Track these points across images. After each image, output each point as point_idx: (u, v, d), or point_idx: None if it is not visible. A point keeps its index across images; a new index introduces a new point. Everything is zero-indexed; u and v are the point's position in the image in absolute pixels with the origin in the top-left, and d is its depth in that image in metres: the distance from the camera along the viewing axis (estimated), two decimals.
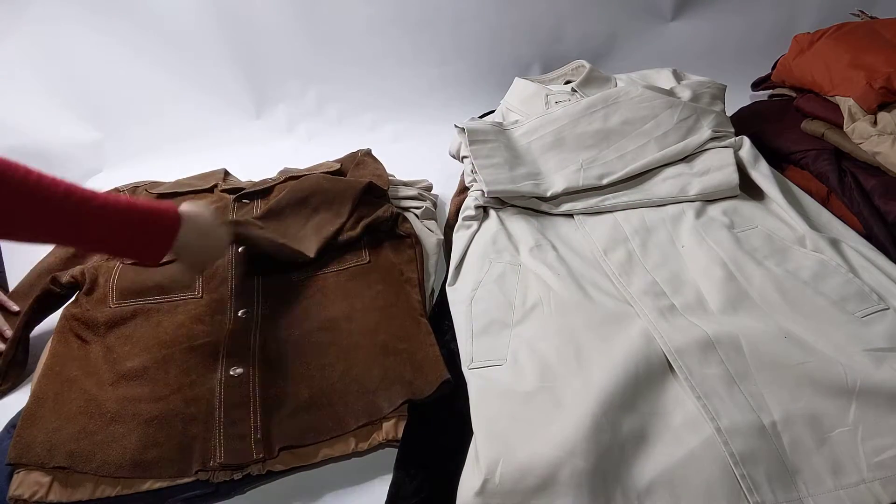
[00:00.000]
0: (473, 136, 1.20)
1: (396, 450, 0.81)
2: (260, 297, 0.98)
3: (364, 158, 1.27)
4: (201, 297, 0.98)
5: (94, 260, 1.05)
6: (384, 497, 0.75)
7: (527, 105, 1.34)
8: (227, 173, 1.29)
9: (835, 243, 0.97)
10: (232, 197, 1.14)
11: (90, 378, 0.87)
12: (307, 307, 0.95)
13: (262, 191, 1.15)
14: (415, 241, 1.08)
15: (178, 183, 1.23)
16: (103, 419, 0.81)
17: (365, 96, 1.83)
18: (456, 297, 0.99)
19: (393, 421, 0.83)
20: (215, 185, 1.19)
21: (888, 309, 0.85)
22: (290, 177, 1.19)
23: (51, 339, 0.95)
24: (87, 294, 0.99)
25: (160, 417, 0.81)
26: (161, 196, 1.18)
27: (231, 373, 0.86)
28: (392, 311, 0.95)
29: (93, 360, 0.90)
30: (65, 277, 1.02)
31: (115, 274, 1.01)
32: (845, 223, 1.06)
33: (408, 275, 1.03)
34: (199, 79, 1.77)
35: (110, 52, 1.71)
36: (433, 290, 1.06)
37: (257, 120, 1.82)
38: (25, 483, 0.76)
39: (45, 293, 1.01)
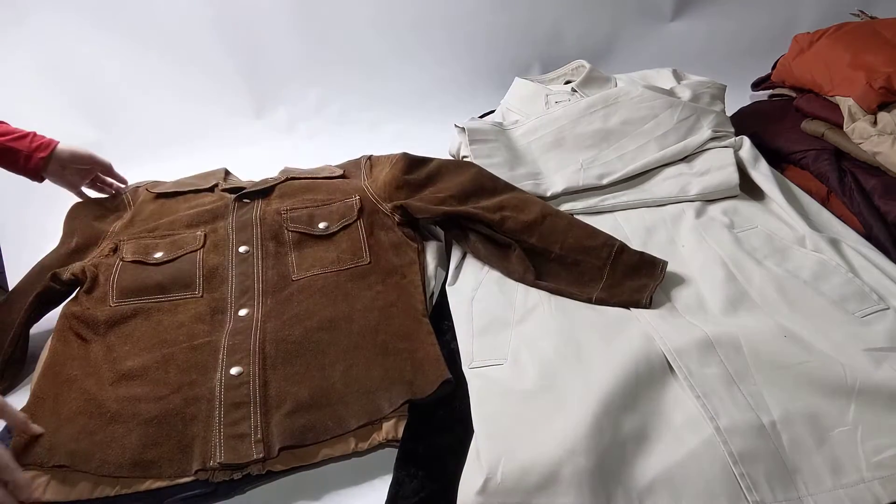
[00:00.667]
0: (473, 136, 1.20)
1: (396, 450, 0.81)
2: (260, 296, 0.98)
3: (377, 160, 1.26)
4: (202, 296, 0.98)
5: (94, 257, 1.06)
6: (384, 497, 0.75)
7: (527, 105, 1.35)
8: (227, 172, 1.29)
9: (835, 243, 0.97)
10: (233, 196, 1.14)
11: (90, 378, 0.87)
12: (307, 307, 0.95)
13: (262, 190, 1.15)
14: (419, 245, 1.08)
15: (178, 182, 1.23)
16: (103, 419, 0.81)
17: (365, 96, 1.83)
18: (456, 297, 0.99)
19: (393, 421, 0.83)
20: (216, 185, 1.19)
21: (888, 309, 0.85)
22: (291, 177, 1.19)
23: (50, 338, 0.95)
24: (88, 292, 0.99)
25: (160, 417, 0.81)
26: (161, 196, 1.18)
27: (231, 372, 0.86)
28: (392, 311, 0.95)
29: (93, 359, 0.90)
30: (65, 275, 1.02)
31: (115, 272, 1.01)
32: (845, 223, 1.06)
33: (410, 277, 1.02)
34: (200, 78, 1.78)
35: (111, 53, 1.72)
36: (433, 292, 1.06)
37: (258, 120, 1.82)
38: None
39: (46, 290, 1.01)
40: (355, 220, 1.09)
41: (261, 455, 0.78)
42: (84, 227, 1.13)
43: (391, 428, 0.83)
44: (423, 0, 1.79)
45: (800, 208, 1.06)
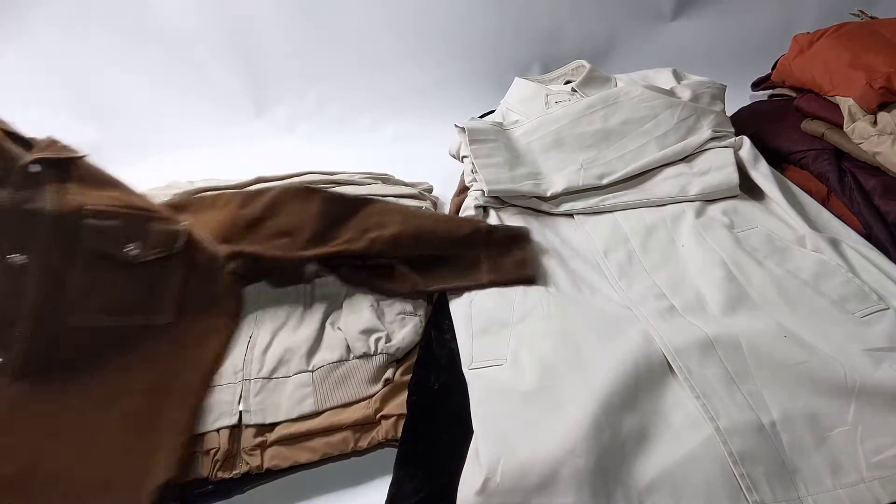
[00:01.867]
0: (474, 136, 1.20)
1: (396, 450, 0.81)
2: (20, 342, 0.77)
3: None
4: None
5: None
6: (384, 497, 0.75)
7: (527, 105, 1.34)
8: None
9: (835, 243, 0.97)
10: (25, 157, 0.85)
11: None
12: (76, 376, 0.77)
13: (59, 164, 0.88)
14: (238, 305, 0.93)
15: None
16: None
17: (365, 96, 1.83)
18: (456, 298, 0.99)
19: (393, 420, 0.83)
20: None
21: (888, 309, 0.85)
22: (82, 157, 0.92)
23: None
24: None
25: None
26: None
27: None
28: (161, 395, 0.79)
29: None
30: None
31: None
32: (845, 223, 1.06)
33: (210, 346, 0.85)
34: (200, 78, 1.78)
35: (110, 53, 1.72)
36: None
37: (257, 119, 1.82)
38: None
39: None
40: (174, 256, 0.87)
41: None
42: None
43: (390, 427, 0.83)
44: (423, 0, 1.79)
45: (800, 208, 1.06)
